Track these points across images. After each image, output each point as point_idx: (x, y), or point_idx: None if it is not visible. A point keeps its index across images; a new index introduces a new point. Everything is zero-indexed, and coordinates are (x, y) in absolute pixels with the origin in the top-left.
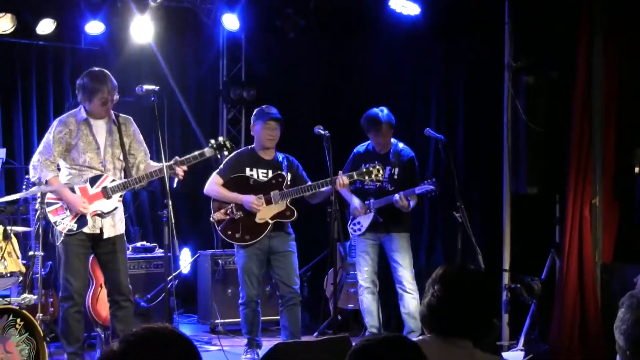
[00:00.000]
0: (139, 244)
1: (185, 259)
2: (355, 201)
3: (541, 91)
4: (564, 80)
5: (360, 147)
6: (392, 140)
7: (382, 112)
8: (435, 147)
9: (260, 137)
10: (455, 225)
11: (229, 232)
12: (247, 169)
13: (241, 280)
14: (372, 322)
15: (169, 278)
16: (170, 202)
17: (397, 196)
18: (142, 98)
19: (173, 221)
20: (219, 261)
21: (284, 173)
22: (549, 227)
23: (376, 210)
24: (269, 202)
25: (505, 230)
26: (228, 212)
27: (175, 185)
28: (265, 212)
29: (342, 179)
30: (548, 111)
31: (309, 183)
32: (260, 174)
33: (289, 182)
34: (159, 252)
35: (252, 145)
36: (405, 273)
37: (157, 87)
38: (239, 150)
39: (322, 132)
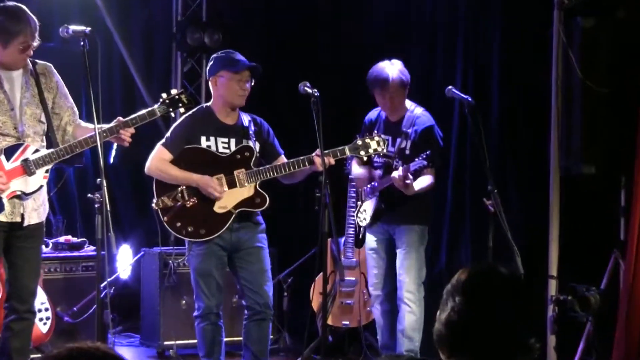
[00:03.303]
0: (62, 239)
1: (125, 259)
2: (355, 169)
3: (603, 38)
4: (634, 22)
5: (373, 113)
6: (408, 104)
7: (392, 65)
8: (460, 112)
9: (226, 94)
10: (486, 216)
11: (178, 224)
12: (203, 138)
13: (195, 287)
14: (384, 341)
15: (103, 285)
16: (105, 182)
17: (396, 174)
18: (68, 43)
19: (109, 208)
20: (170, 262)
21: (251, 144)
22: (611, 219)
23: (379, 194)
24: (232, 184)
25: (551, 223)
26: (177, 197)
27: (112, 159)
28: (227, 199)
29: (328, 159)
30: (612, 65)
31: (284, 160)
32: (220, 145)
33: (258, 156)
34: (89, 249)
35: (208, 104)
36: (406, 278)
37: (89, 29)
38: (190, 112)
39: (310, 90)
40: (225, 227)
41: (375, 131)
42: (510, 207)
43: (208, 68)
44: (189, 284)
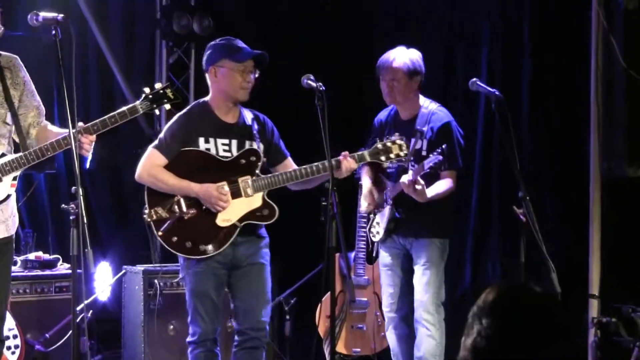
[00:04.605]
0: (32, 256)
1: (104, 279)
2: (365, 183)
3: None
4: None
5: (382, 114)
6: (422, 100)
7: (404, 50)
8: (486, 107)
9: (228, 86)
10: (517, 227)
11: (174, 239)
12: (201, 140)
13: (191, 309)
14: None
15: (79, 308)
16: (81, 190)
17: (404, 179)
18: (37, 32)
19: (85, 220)
20: (156, 282)
21: (255, 146)
22: None
23: (393, 201)
24: (236, 194)
25: (592, 234)
26: (173, 208)
27: (88, 163)
28: (231, 210)
29: (348, 161)
30: None
31: (291, 164)
32: (220, 147)
33: (265, 160)
34: (63, 268)
35: (206, 99)
36: (424, 297)
37: (61, 15)
38: (186, 110)
39: (314, 84)
40: (229, 243)
41: (397, 134)
42: (544, 216)
43: (205, 57)
44: (177, 306)
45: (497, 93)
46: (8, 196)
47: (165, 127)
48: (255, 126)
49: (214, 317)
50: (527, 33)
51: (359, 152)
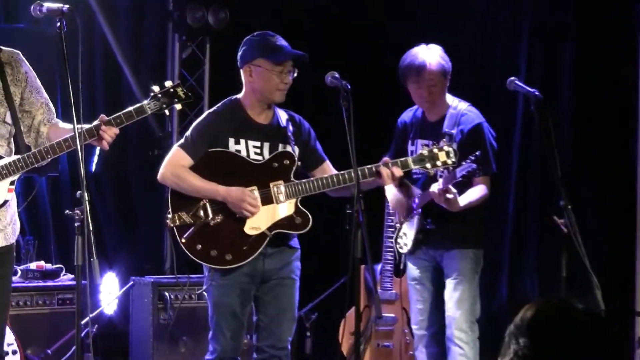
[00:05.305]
0: (33, 265)
1: (111, 291)
2: (391, 195)
3: None
4: None
5: (406, 114)
6: (450, 99)
7: (429, 49)
8: (525, 109)
9: (263, 87)
10: (557, 238)
11: (199, 247)
12: (231, 141)
13: (213, 325)
14: None
15: (84, 321)
16: (86, 195)
17: (434, 187)
18: (40, 24)
19: (91, 228)
20: (166, 294)
21: (290, 149)
22: None
23: (422, 211)
24: (267, 200)
25: (638, 246)
26: (198, 213)
27: (94, 166)
28: (260, 218)
29: (392, 170)
30: None
31: (330, 168)
32: (251, 149)
33: (299, 165)
34: (66, 278)
35: (238, 96)
36: (456, 314)
37: (67, 6)
38: (217, 107)
39: (338, 82)
40: (257, 253)
41: (445, 139)
42: (587, 227)
43: (240, 54)
44: (189, 321)
45: (536, 93)
46: (5, 202)
47: (192, 125)
48: (290, 128)
49: (237, 335)
50: (571, 30)
51: (402, 159)
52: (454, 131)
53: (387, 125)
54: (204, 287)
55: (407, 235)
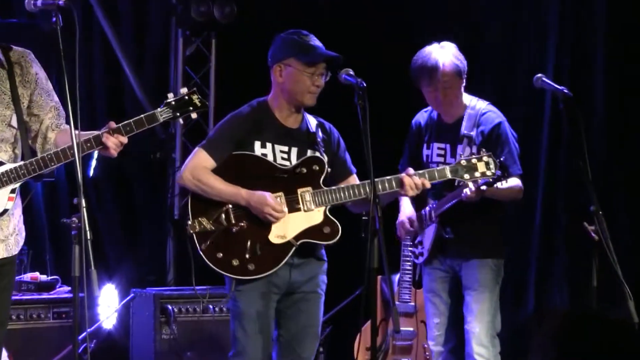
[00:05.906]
0: (27, 277)
1: (110, 304)
2: (405, 208)
3: None
4: None
5: (421, 116)
6: (467, 98)
7: (442, 48)
8: (553, 108)
9: (294, 89)
10: (588, 246)
11: (220, 256)
12: (257, 144)
13: (235, 341)
14: None
15: (82, 336)
16: (84, 202)
17: (467, 190)
18: (35, 18)
19: (89, 236)
20: (169, 307)
21: (320, 155)
22: None
23: (439, 218)
24: (294, 207)
25: None
26: (220, 219)
27: (92, 171)
28: (286, 225)
29: (416, 180)
30: None
31: (356, 182)
32: (278, 154)
33: (329, 171)
34: (62, 291)
35: (266, 98)
36: (476, 328)
37: (63, 0)
38: (243, 108)
39: (353, 80)
40: (282, 263)
41: (484, 149)
42: (620, 234)
43: (271, 52)
44: (194, 335)
45: (565, 91)
46: (5, 211)
47: (215, 127)
48: (320, 134)
49: (262, 348)
50: (602, 25)
51: (439, 168)
52: (472, 133)
53: (402, 126)
54: (227, 300)
55: (422, 244)
